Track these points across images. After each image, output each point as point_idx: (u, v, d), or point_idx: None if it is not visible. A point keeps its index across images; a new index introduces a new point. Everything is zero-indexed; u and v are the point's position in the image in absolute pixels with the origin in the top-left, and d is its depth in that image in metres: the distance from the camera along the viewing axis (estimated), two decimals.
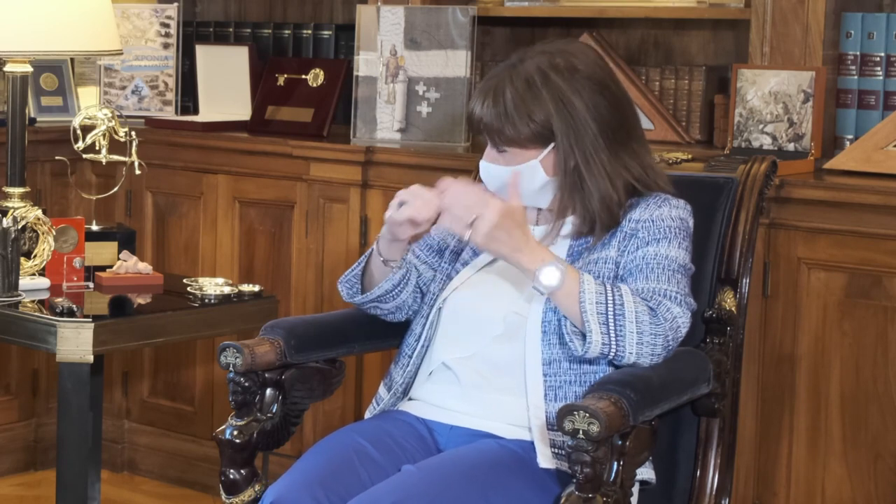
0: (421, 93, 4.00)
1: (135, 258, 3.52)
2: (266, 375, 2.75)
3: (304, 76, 4.33)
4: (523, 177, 2.67)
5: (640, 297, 2.56)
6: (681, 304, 2.57)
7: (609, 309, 2.52)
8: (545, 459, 2.56)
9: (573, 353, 2.57)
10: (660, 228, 2.64)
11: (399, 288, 2.79)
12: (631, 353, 2.53)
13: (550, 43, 2.75)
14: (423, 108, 4.00)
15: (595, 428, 2.34)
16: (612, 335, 2.52)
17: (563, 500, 2.38)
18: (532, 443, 2.59)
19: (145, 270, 3.50)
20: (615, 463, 2.42)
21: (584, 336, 2.54)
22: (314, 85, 4.30)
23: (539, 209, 2.78)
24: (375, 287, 2.80)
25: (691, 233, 2.69)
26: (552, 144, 2.65)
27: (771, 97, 3.43)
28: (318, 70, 4.31)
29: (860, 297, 3.20)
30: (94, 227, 3.66)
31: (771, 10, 3.50)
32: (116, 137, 3.61)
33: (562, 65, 2.65)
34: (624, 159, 2.67)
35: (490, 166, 2.72)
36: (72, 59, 4.61)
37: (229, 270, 4.22)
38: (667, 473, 2.75)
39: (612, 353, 2.54)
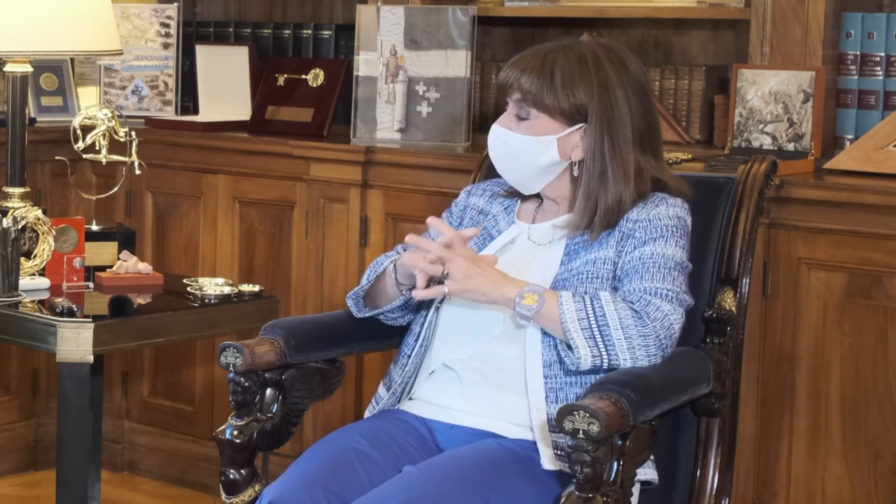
0: (421, 93, 4.00)
1: (135, 258, 3.51)
2: (266, 375, 2.75)
3: (304, 76, 4.33)
4: (533, 149, 2.68)
5: (626, 301, 2.56)
6: (672, 302, 2.57)
7: (592, 322, 2.53)
8: (548, 461, 2.56)
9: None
10: (657, 227, 2.64)
11: (410, 303, 2.79)
12: (625, 360, 2.53)
13: (606, 40, 2.79)
14: (423, 108, 4.00)
15: (595, 428, 2.34)
16: (601, 346, 2.53)
17: (563, 500, 2.38)
18: (534, 442, 2.59)
19: (145, 270, 3.49)
20: (615, 463, 2.42)
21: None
22: (314, 85, 4.30)
23: (538, 206, 2.78)
24: (387, 303, 2.80)
25: (689, 231, 2.70)
26: (578, 125, 2.65)
27: (771, 97, 3.43)
28: (318, 70, 4.31)
29: (860, 297, 3.20)
30: (94, 227, 3.66)
31: (771, 10, 3.50)
32: (116, 137, 3.61)
33: (615, 59, 2.69)
34: (642, 166, 2.68)
35: (504, 132, 2.71)
36: (72, 59, 4.61)
37: (229, 270, 4.22)
38: (667, 473, 2.75)
39: (605, 364, 2.54)
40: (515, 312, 2.57)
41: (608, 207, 2.66)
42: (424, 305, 2.78)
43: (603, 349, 2.53)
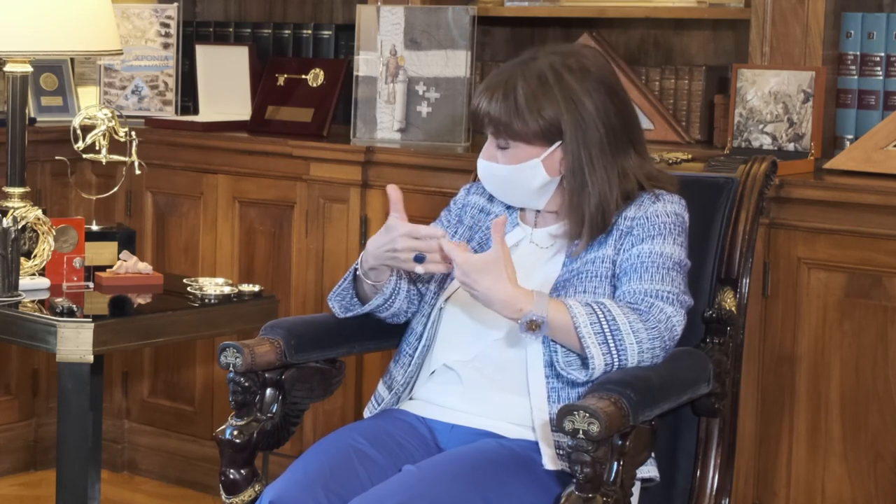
0: (421, 93, 4.00)
1: (135, 258, 3.52)
2: (266, 375, 2.75)
3: (304, 76, 4.33)
4: (522, 176, 2.68)
5: (629, 304, 2.56)
6: (674, 304, 2.57)
7: (605, 328, 2.53)
8: (550, 461, 2.56)
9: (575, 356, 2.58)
10: (654, 225, 2.64)
11: (391, 300, 2.78)
12: (633, 364, 2.54)
13: (560, 45, 2.77)
14: (423, 108, 4.00)
15: (595, 428, 2.34)
16: (614, 353, 2.53)
17: (563, 500, 2.38)
18: (535, 443, 2.59)
19: (145, 270, 3.50)
20: (615, 463, 2.42)
21: (583, 363, 2.55)
22: (314, 85, 4.30)
23: (538, 212, 2.78)
24: (367, 303, 2.80)
25: (687, 228, 2.69)
26: (557, 143, 2.65)
27: (771, 97, 3.43)
28: (318, 70, 4.31)
29: (860, 297, 3.20)
30: (94, 227, 3.66)
31: (771, 10, 3.50)
32: (116, 137, 3.61)
33: (574, 66, 2.66)
34: (624, 167, 2.68)
35: (490, 165, 2.72)
36: (72, 59, 4.61)
37: (229, 270, 4.22)
38: (667, 473, 2.75)
39: (615, 369, 2.54)
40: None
41: (593, 215, 2.65)
42: (426, 304, 2.78)
43: (616, 355, 2.53)
